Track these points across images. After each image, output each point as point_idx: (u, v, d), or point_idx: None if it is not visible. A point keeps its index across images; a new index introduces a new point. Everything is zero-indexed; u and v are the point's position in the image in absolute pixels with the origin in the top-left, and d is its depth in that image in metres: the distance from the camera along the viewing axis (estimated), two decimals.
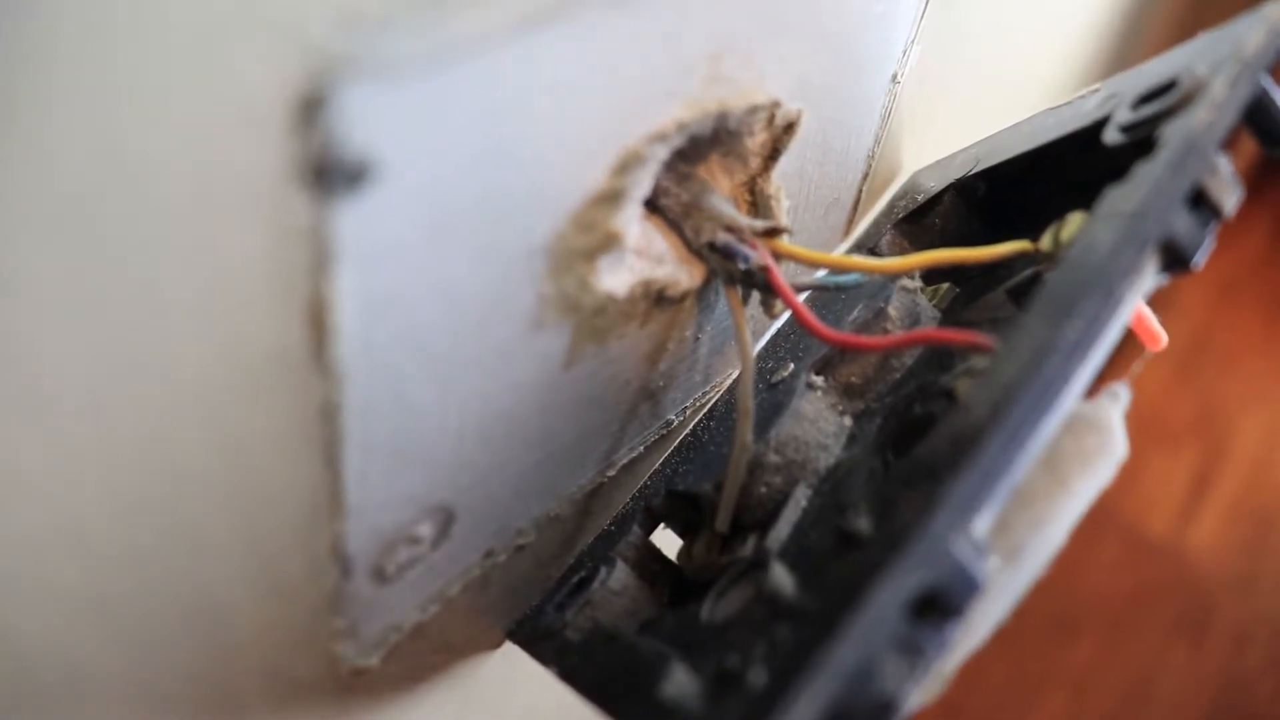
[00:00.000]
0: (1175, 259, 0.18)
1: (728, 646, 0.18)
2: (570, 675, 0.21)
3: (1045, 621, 1.03)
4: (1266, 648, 1.02)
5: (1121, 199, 0.18)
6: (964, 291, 0.25)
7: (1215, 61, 0.19)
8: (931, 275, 0.25)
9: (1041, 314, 0.17)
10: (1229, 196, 0.19)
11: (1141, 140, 0.20)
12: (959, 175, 0.26)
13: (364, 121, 0.13)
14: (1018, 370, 0.16)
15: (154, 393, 0.14)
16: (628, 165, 0.19)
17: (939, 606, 0.15)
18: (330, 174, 0.13)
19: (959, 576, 0.15)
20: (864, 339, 0.22)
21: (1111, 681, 1.00)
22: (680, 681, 0.18)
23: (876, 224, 0.28)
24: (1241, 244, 1.21)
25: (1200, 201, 0.18)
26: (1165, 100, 0.20)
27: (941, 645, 0.15)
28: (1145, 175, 0.18)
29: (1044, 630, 1.03)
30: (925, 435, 0.18)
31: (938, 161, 0.29)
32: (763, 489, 0.22)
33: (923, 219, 0.27)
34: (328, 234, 0.14)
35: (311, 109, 0.13)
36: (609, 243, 0.19)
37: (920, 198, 0.27)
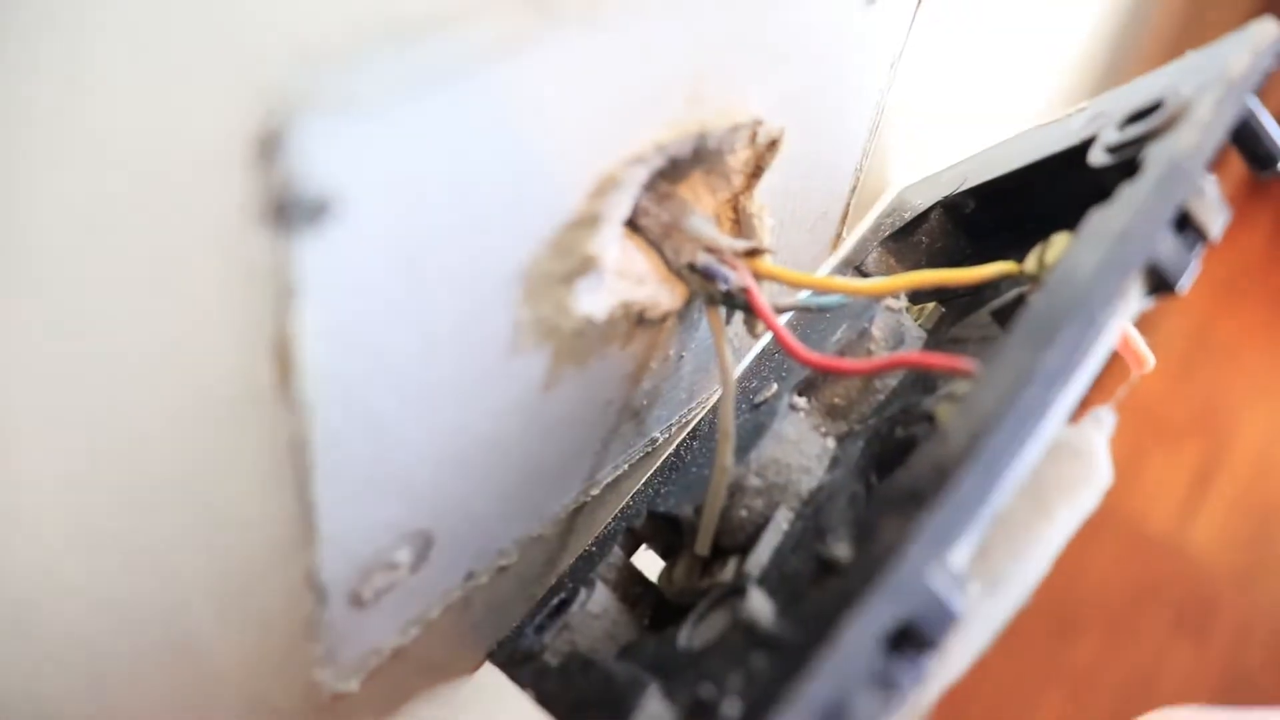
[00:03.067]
0: (1160, 282, 0.18)
1: (704, 675, 0.18)
2: (547, 700, 0.21)
3: (1047, 619, 1.03)
4: (1268, 642, 1.02)
5: (1105, 222, 0.18)
6: (949, 311, 0.24)
7: (1201, 82, 0.19)
8: (917, 295, 0.25)
9: (1022, 340, 0.17)
10: (1215, 219, 0.18)
11: (1127, 161, 0.19)
12: (946, 193, 0.26)
13: (324, 156, 0.13)
14: (996, 399, 0.16)
15: (121, 431, 0.14)
16: (605, 189, 0.19)
17: (914, 639, 0.15)
18: (290, 210, 0.13)
19: (935, 609, 0.15)
20: (845, 362, 0.21)
21: (1114, 678, 1.00)
22: (654, 712, 0.18)
23: (863, 241, 0.28)
24: (1243, 241, 1.21)
25: (1186, 224, 0.18)
26: (1151, 121, 0.19)
27: (917, 678, 0.15)
28: (1129, 198, 0.18)
29: (1046, 627, 1.03)
30: (906, 459, 0.18)
31: (925, 178, 0.28)
32: (743, 512, 0.22)
33: (909, 236, 0.27)
34: (290, 270, 0.14)
35: (270, 145, 0.13)
36: (587, 266, 0.19)
37: (908, 215, 0.27)
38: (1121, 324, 0.18)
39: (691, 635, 0.19)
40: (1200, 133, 0.18)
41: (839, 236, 0.28)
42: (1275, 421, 1.13)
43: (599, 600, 0.23)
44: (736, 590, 0.19)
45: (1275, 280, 1.21)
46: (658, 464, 0.26)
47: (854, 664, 0.14)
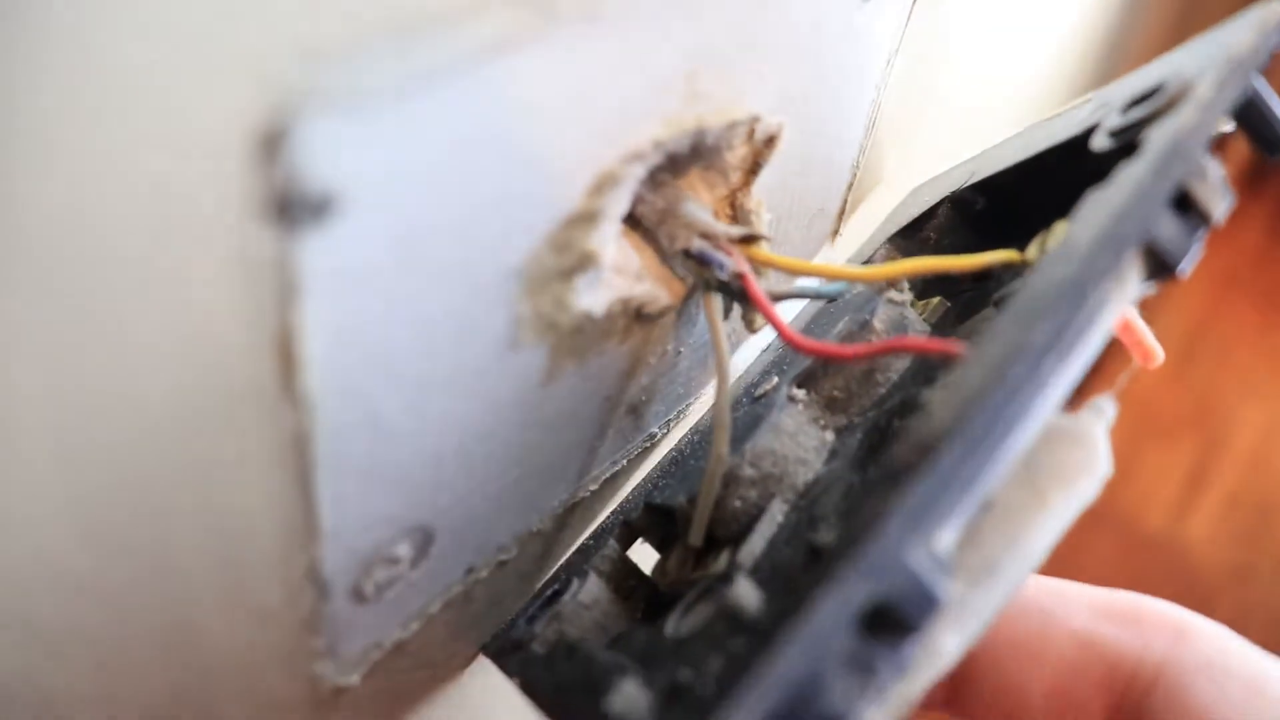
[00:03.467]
0: (1160, 265, 0.17)
1: (684, 660, 0.17)
2: (530, 687, 0.21)
3: None
4: (1264, 638, 1.02)
5: (1101, 200, 0.18)
6: (955, 306, 0.24)
7: (1204, 63, 0.19)
8: (923, 289, 0.25)
9: (1012, 318, 0.16)
10: (1218, 202, 0.18)
11: (1128, 144, 0.19)
12: (954, 187, 0.26)
13: (327, 154, 0.13)
14: (983, 375, 0.16)
15: (123, 427, 0.14)
16: (604, 186, 0.19)
17: (893, 622, 0.14)
18: (293, 207, 0.13)
19: (914, 589, 0.14)
20: (836, 347, 0.21)
21: None
22: (629, 694, 0.17)
23: (871, 240, 0.28)
24: (1238, 237, 1.21)
25: (1187, 206, 0.17)
26: (1152, 103, 0.19)
27: (898, 665, 0.14)
28: (1126, 176, 0.18)
29: None
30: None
31: (935, 177, 0.28)
32: (737, 503, 0.22)
33: (917, 232, 0.27)
34: (292, 267, 0.14)
35: (273, 143, 0.13)
36: (585, 262, 0.19)
37: (914, 211, 0.27)
38: (1121, 308, 0.17)
39: (678, 624, 0.19)
40: (1200, 111, 0.18)
41: (836, 232, 0.29)
42: (1270, 417, 1.14)
43: (590, 591, 0.23)
44: (725, 579, 0.19)
45: (1270, 276, 1.21)
46: (659, 459, 0.26)
47: (825, 642, 0.14)
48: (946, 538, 0.15)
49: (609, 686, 0.18)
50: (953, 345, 0.18)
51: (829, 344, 0.22)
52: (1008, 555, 0.17)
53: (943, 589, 0.14)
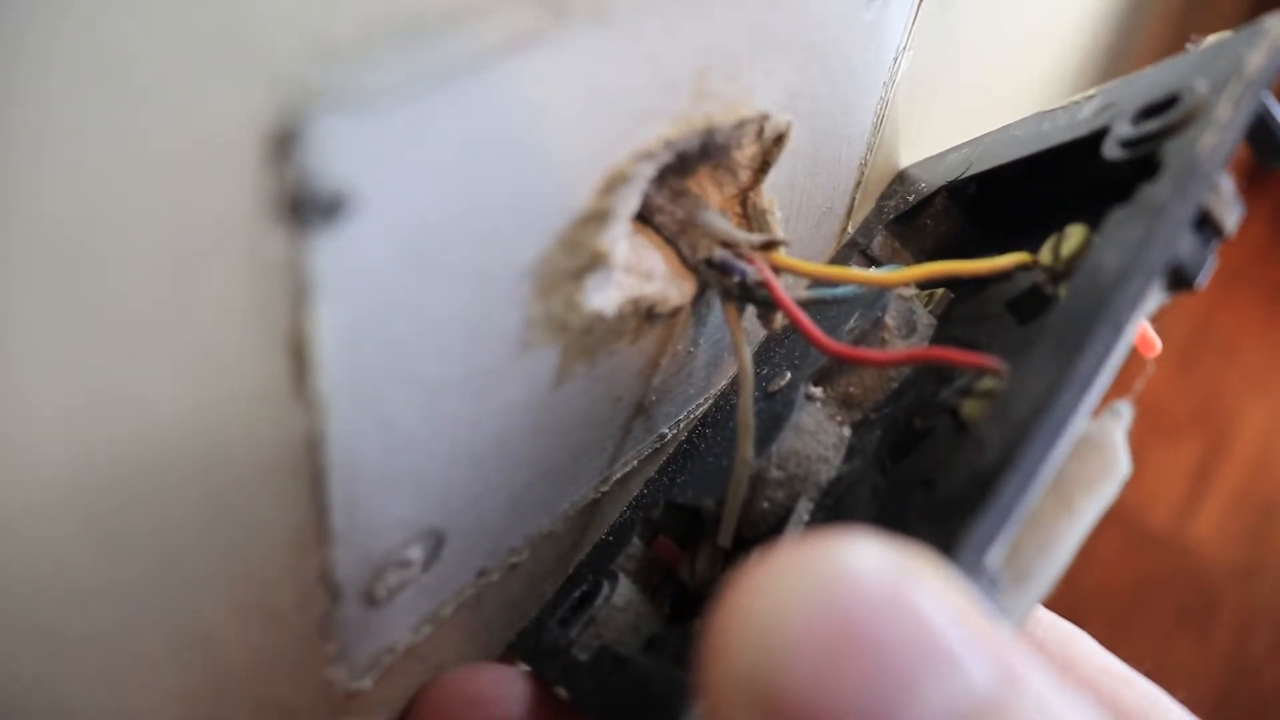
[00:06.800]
0: (1179, 280, 0.18)
1: None
2: (581, 698, 0.21)
3: None
4: (1271, 636, 1.02)
5: (1127, 224, 0.18)
6: (958, 297, 0.24)
7: (1217, 78, 0.19)
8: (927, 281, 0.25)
9: (1052, 348, 0.17)
10: (1230, 215, 0.18)
11: (1143, 157, 0.19)
12: (951, 177, 0.26)
13: (338, 153, 0.13)
14: (1031, 408, 0.16)
15: (134, 431, 0.14)
16: (614, 185, 0.19)
17: None
18: (305, 207, 0.13)
19: None
20: (873, 354, 0.21)
21: None
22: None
23: (867, 224, 0.28)
24: (1242, 234, 1.21)
25: (1203, 222, 0.18)
26: (1167, 117, 0.19)
27: None
28: (1151, 199, 0.18)
29: None
30: (921, 446, 0.18)
31: (928, 158, 0.29)
32: (765, 504, 0.22)
33: (914, 220, 0.27)
34: (305, 268, 0.14)
35: (285, 142, 0.13)
36: (596, 262, 0.19)
37: (911, 198, 0.27)
38: (1141, 321, 0.18)
39: None
40: (1220, 133, 0.18)
41: (844, 231, 0.28)
42: (1274, 415, 1.13)
43: (623, 593, 0.23)
44: None
45: (1274, 274, 1.21)
46: (667, 454, 0.26)
47: None
48: (996, 555, 0.16)
49: (679, 711, 0.18)
50: (989, 360, 0.18)
51: (868, 351, 0.22)
52: (1041, 560, 0.17)
53: (995, 602, 0.15)
